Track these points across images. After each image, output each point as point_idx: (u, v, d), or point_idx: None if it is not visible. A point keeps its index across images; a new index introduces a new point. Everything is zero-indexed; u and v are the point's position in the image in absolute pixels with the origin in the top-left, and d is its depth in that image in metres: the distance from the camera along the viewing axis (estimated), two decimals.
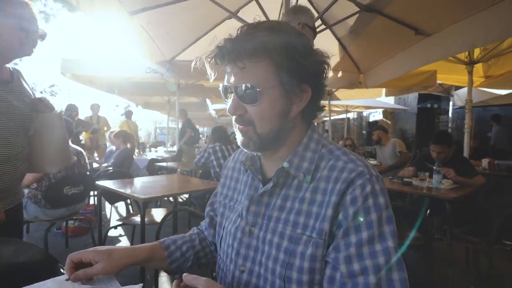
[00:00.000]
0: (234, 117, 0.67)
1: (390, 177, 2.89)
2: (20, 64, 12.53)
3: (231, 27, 0.65)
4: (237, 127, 0.68)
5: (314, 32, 1.88)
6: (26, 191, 2.39)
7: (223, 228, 0.78)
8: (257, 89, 0.61)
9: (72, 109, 5.38)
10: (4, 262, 1.03)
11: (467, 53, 3.65)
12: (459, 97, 5.58)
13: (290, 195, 0.67)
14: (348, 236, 0.59)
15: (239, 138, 0.68)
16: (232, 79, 0.64)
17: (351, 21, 2.82)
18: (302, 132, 0.70)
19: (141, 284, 0.66)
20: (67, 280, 0.69)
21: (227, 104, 0.67)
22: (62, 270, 0.93)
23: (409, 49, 3.00)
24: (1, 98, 1.19)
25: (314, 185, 0.65)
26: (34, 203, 2.38)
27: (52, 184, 2.39)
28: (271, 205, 0.69)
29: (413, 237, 2.48)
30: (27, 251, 1.08)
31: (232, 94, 0.65)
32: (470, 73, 3.77)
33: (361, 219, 0.58)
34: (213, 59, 0.64)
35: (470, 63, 3.74)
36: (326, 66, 0.67)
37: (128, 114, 8.19)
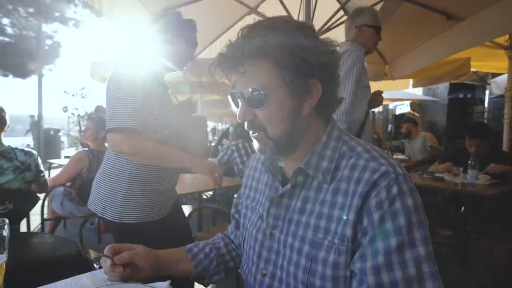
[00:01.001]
0: (245, 123, 0.66)
1: (420, 172, 2.75)
2: (55, 70, 13.31)
3: None
4: (251, 133, 0.66)
5: (377, 29, 1.84)
6: (62, 189, 2.54)
7: (246, 230, 0.77)
8: (262, 92, 0.59)
9: (100, 110, 5.62)
10: (42, 256, 1.10)
11: (507, 36, 3.36)
12: (497, 85, 5.18)
13: (310, 197, 0.64)
14: (375, 244, 0.54)
15: (255, 144, 0.67)
16: (236, 85, 0.63)
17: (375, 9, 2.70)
18: (320, 129, 0.66)
19: (169, 281, 0.67)
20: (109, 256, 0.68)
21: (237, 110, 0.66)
22: (95, 265, 0.97)
23: (439, 36, 2.82)
24: (169, 101, 1.33)
25: (335, 186, 0.61)
26: (69, 200, 2.53)
27: (84, 183, 2.52)
28: (291, 207, 0.66)
29: (446, 235, 2.35)
30: (64, 246, 1.15)
31: (240, 100, 0.64)
32: (511, 58, 3.48)
33: (389, 224, 0.54)
34: (216, 68, 0.63)
35: (511, 47, 3.44)
36: (335, 56, 0.63)
37: None
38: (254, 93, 0.60)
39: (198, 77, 5.28)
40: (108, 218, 1.21)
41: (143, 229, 1.22)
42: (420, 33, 2.99)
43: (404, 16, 2.67)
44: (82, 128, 2.82)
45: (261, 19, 0.64)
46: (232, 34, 0.63)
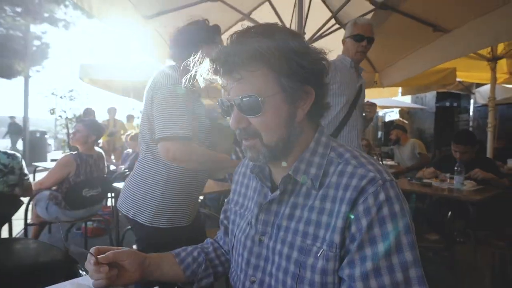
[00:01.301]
0: (237, 131, 0.64)
1: (409, 178, 2.80)
2: (42, 71, 13.06)
3: None
4: (242, 142, 0.65)
5: (355, 37, 1.87)
6: (47, 193, 2.47)
7: (234, 236, 0.76)
8: (259, 99, 0.58)
9: (89, 113, 5.56)
10: (25, 262, 1.07)
11: (489, 48, 3.50)
12: (481, 95, 5.37)
13: (299, 203, 0.64)
14: (363, 250, 0.55)
15: (247, 153, 0.65)
16: (230, 92, 0.61)
17: None
18: (309, 136, 0.67)
19: (157, 287, 0.66)
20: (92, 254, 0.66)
21: (228, 118, 0.64)
22: (81, 271, 0.95)
23: (427, 46, 2.90)
24: (203, 106, 1.32)
25: (323, 193, 0.62)
26: (55, 204, 2.45)
27: (71, 187, 2.45)
28: (280, 214, 0.66)
29: (433, 240, 2.40)
30: (48, 252, 1.11)
31: (233, 108, 0.62)
32: (493, 69, 3.62)
33: (376, 230, 0.55)
34: (207, 74, 0.62)
35: (493, 59, 3.58)
36: (325, 63, 0.64)
37: (129, 118, 8.21)
38: (250, 99, 0.59)
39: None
40: (140, 221, 1.22)
41: (173, 234, 1.23)
42: (408, 43, 3.07)
43: (394, 26, 2.74)
44: (71, 131, 2.75)
45: (250, 25, 0.64)
46: (224, 41, 0.63)
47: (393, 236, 0.54)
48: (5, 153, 1.88)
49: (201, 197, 3.86)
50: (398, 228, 0.55)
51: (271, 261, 0.65)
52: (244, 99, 0.59)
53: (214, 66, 0.60)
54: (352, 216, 0.57)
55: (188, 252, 0.83)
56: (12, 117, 12.77)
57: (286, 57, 0.58)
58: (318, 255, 0.58)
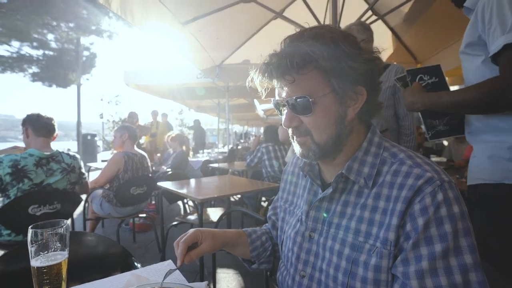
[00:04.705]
0: (290, 129, 0.68)
1: (457, 176, 2.61)
2: (91, 79, 14.26)
3: (278, 27, 0.66)
4: (294, 138, 0.68)
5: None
6: (100, 191, 2.72)
7: (284, 232, 0.80)
8: (310, 100, 0.61)
9: (133, 116, 5.96)
10: (89, 253, 1.20)
11: None
12: None
13: (350, 201, 0.65)
14: (418, 249, 0.54)
15: (297, 149, 0.68)
16: (283, 93, 0.65)
17: (406, 8, 2.62)
18: (361, 135, 0.68)
19: (206, 282, 0.71)
20: (177, 268, 0.69)
21: (282, 117, 0.68)
22: (136, 264, 1.04)
23: None
24: None
25: (376, 191, 0.62)
26: (108, 202, 2.69)
27: (121, 185, 2.67)
28: (331, 211, 0.67)
29: None
30: (106, 245, 1.24)
31: (285, 108, 0.66)
32: None
33: (433, 230, 0.53)
34: (261, 77, 0.65)
35: None
36: (378, 63, 0.64)
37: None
38: (302, 100, 0.62)
39: (225, 82, 5.40)
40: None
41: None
42: (454, 30, 2.83)
43: (437, 13, 2.56)
44: None
45: (290, 22, 0.66)
46: (258, 40, 0.66)
47: (451, 238, 0.52)
48: (67, 154, 2.11)
49: (239, 196, 3.96)
50: (457, 229, 0.53)
51: (321, 257, 0.67)
52: (296, 100, 0.62)
53: (269, 69, 0.63)
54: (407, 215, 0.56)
55: (258, 235, 0.89)
56: None
57: (337, 59, 0.60)
58: (372, 252, 0.59)
